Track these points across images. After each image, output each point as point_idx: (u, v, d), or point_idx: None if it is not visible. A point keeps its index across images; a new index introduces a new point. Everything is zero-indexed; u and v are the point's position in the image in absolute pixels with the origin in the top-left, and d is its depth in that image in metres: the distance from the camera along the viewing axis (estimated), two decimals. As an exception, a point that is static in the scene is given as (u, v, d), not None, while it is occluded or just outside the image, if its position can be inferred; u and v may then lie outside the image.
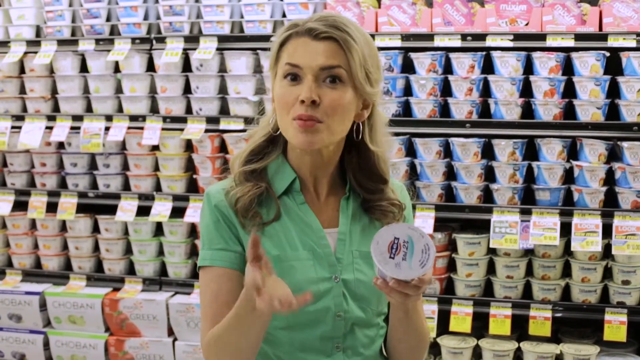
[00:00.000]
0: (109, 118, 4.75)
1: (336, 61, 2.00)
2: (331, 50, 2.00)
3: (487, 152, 4.28)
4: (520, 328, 4.27)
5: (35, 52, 4.86)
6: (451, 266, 4.35)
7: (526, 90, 4.21)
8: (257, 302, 1.76)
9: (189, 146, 4.74)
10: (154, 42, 4.72)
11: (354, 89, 2.03)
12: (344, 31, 2.00)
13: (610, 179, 4.13)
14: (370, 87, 2.05)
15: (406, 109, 4.35)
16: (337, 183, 2.18)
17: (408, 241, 1.83)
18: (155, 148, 4.76)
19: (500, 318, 4.14)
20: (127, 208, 4.70)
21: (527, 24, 4.21)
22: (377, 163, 2.16)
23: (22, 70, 5.05)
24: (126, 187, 4.86)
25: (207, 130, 4.58)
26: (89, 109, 4.88)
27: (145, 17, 4.80)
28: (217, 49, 4.59)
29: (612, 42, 4.03)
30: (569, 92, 4.16)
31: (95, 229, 4.92)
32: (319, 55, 2.00)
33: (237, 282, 2.05)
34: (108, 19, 4.86)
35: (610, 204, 4.12)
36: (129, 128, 4.71)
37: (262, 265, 1.78)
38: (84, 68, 4.91)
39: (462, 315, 4.19)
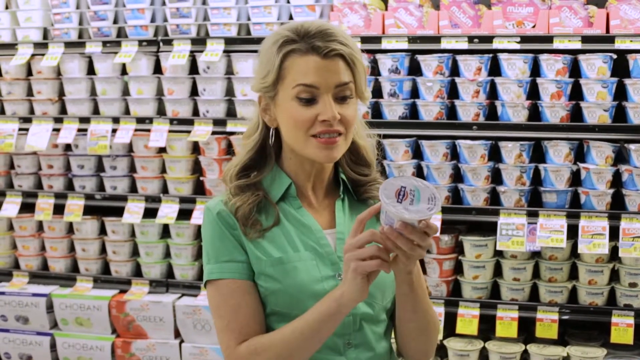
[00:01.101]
0: (116, 120, 4.76)
1: (347, 77, 2.07)
2: (341, 67, 2.06)
3: (494, 155, 4.28)
4: (527, 330, 4.27)
5: (43, 55, 4.87)
6: (458, 268, 4.35)
7: (533, 93, 4.21)
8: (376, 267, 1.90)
9: (195, 148, 4.74)
10: (161, 44, 4.73)
11: (357, 97, 2.12)
12: (345, 45, 2.06)
13: (617, 182, 4.13)
14: (368, 92, 2.16)
15: (413, 111, 4.35)
16: (331, 186, 2.24)
17: (414, 190, 1.86)
18: (162, 150, 4.76)
19: (507, 320, 4.14)
20: (133, 210, 4.71)
21: (534, 26, 4.21)
22: (366, 154, 2.25)
23: (29, 72, 5.06)
24: (133, 189, 4.86)
25: (214, 133, 4.58)
26: (96, 111, 4.89)
27: (152, 20, 4.80)
28: (224, 52, 4.59)
29: (619, 44, 4.02)
30: (576, 94, 4.16)
31: (102, 231, 4.92)
32: (332, 73, 2.05)
33: (253, 292, 2.10)
34: (115, 21, 4.87)
35: (617, 207, 4.12)
36: (136, 130, 4.72)
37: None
38: (91, 70, 4.92)
39: (468, 318, 4.18)
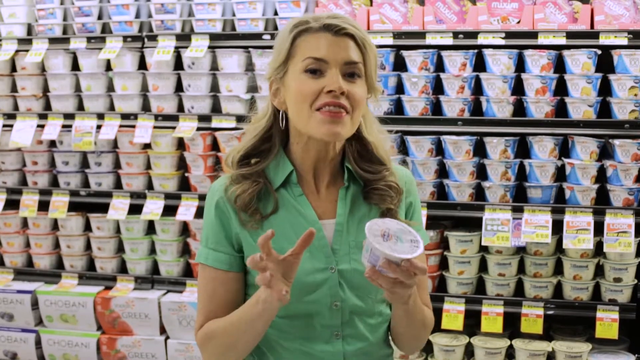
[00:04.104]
0: (100, 116, 4.74)
1: (357, 57, 2.08)
2: (352, 47, 2.08)
3: (479, 150, 4.28)
4: (512, 326, 4.28)
5: (27, 51, 4.85)
6: (443, 264, 4.35)
7: (518, 88, 4.21)
8: (268, 296, 1.92)
9: (180, 144, 4.73)
10: (146, 40, 4.71)
11: (366, 84, 2.12)
12: (357, 29, 2.09)
13: (601, 177, 4.13)
14: (377, 83, 2.16)
15: (398, 106, 4.35)
16: (337, 173, 2.22)
17: (398, 234, 1.90)
18: (147, 146, 4.75)
19: (492, 316, 4.15)
20: (118, 206, 4.69)
21: (518, 22, 4.21)
22: (376, 151, 2.22)
23: (13, 68, 5.03)
24: (118, 185, 4.85)
25: (199, 129, 4.57)
26: (80, 107, 4.87)
27: (137, 15, 4.79)
28: (209, 47, 4.58)
29: (603, 40, 4.03)
30: (561, 89, 4.17)
31: (87, 227, 4.91)
32: (343, 49, 2.07)
33: (230, 284, 2.16)
34: (99, 17, 4.85)
35: (601, 202, 4.13)
36: (121, 126, 4.70)
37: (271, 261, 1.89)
38: (75, 66, 4.90)
39: (454, 313, 4.19)
